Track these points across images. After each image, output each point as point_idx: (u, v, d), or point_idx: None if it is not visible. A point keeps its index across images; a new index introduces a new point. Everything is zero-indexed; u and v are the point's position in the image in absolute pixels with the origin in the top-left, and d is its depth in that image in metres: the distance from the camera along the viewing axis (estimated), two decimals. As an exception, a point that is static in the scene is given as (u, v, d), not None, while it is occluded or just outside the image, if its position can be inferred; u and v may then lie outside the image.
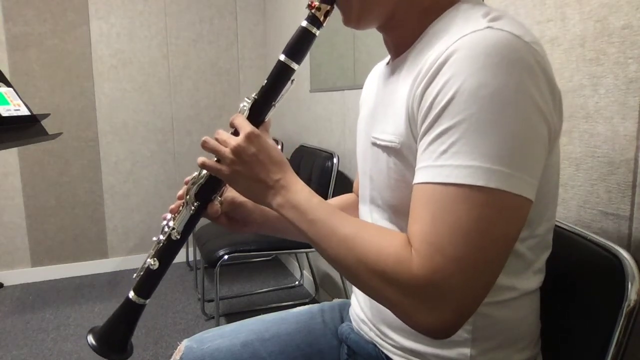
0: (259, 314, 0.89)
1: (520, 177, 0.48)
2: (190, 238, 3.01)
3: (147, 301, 0.72)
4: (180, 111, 3.00)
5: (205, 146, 0.66)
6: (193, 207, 0.70)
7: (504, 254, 0.50)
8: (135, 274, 0.73)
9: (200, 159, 0.67)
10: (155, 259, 0.71)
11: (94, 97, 2.81)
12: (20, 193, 2.72)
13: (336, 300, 0.93)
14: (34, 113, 1.30)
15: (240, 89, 3.12)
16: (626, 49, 0.78)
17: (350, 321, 0.81)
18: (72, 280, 2.80)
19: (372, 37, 1.79)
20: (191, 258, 2.97)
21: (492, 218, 0.48)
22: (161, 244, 0.71)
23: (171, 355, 0.83)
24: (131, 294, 0.72)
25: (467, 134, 0.48)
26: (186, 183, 0.71)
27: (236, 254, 1.98)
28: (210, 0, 2.98)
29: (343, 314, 0.87)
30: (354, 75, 1.96)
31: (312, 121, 2.48)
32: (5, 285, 2.73)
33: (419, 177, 0.52)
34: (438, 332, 0.50)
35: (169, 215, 0.73)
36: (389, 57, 0.72)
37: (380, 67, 0.77)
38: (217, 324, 2.09)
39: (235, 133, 0.65)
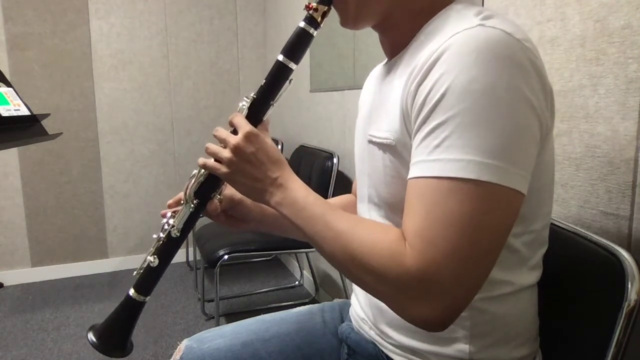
0: (259, 314, 0.89)
1: (511, 171, 0.49)
2: (190, 238, 2.97)
3: (147, 298, 0.73)
4: (180, 111, 3.00)
5: (207, 151, 0.68)
6: (193, 205, 0.71)
7: (497, 247, 0.51)
8: (135, 272, 0.74)
9: (201, 160, 0.69)
10: (155, 256, 0.72)
11: (94, 97, 2.80)
12: (20, 193, 2.72)
13: (336, 300, 0.93)
14: (34, 113, 1.30)
15: (240, 89, 3.12)
16: (626, 49, 0.78)
17: (351, 321, 0.81)
18: (72, 280, 2.80)
19: (373, 37, 1.78)
20: (191, 258, 2.97)
21: (485, 211, 0.48)
22: (161, 242, 0.72)
23: (171, 355, 0.83)
24: (131, 292, 0.72)
25: (459, 129, 0.49)
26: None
27: (236, 254, 1.98)
28: (210, 0, 2.98)
29: (343, 314, 0.87)
30: (354, 75, 1.96)
31: (312, 121, 2.48)
32: (5, 285, 2.73)
33: (413, 172, 0.53)
34: (433, 325, 0.50)
35: (168, 213, 0.74)
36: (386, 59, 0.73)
37: (377, 69, 0.78)
38: (217, 324, 2.09)
39: (235, 132, 0.66)
